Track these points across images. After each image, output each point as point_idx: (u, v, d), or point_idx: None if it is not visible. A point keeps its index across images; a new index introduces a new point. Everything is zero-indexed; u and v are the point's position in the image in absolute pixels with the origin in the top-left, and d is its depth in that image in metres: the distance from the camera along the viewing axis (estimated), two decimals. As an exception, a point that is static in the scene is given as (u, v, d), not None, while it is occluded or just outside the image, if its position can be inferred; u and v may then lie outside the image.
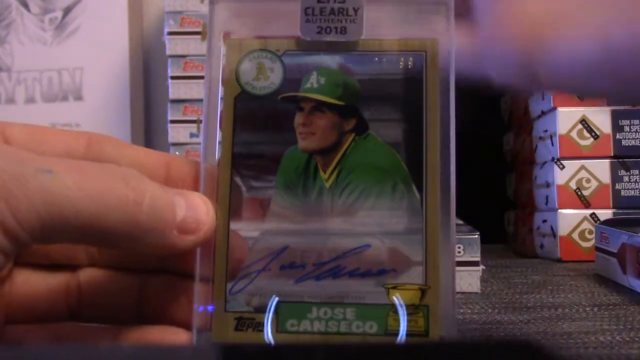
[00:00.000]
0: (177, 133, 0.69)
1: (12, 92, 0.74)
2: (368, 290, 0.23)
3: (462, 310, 0.40)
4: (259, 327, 0.24)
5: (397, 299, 0.23)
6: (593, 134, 0.60)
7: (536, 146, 0.65)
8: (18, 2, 0.75)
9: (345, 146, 0.25)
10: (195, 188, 0.24)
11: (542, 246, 0.64)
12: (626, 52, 0.22)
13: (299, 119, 0.25)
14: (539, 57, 0.24)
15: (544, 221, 0.63)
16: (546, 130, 0.63)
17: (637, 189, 0.60)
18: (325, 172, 0.25)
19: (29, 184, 0.20)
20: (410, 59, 0.25)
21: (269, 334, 0.23)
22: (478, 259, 0.46)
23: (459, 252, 0.45)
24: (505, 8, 0.25)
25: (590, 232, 0.60)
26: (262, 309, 0.24)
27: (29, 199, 0.20)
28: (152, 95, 0.79)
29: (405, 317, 0.23)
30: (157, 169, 0.25)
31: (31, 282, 0.25)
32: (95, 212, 0.20)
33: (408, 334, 0.23)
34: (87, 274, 0.25)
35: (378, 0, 0.25)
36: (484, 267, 0.48)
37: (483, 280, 0.48)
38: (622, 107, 0.60)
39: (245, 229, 0.24)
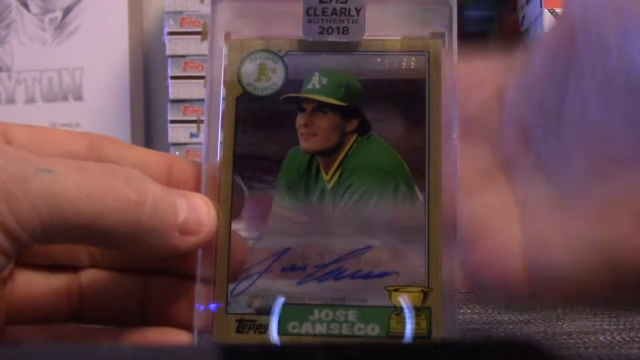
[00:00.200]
0: (177, 133, 0.69)
1: (12, 92, 0.74)
2: (370, 292, 0.23)
3: (462, 311, 0.40)
4: (261, 329, 0.23)
5: (403, 300, 0.23)
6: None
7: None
8: (18, 2, 0.75)
9: (347, 147, 0.25)
10: (197, 189, 0.24)
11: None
12: (619, 265, 0.22)
13: (300, 119, 0.25)
14: (533, 275, 0.24)
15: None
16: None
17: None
18: (327, 173, 0.25)
19: (29, 184, 0.20)
20: (413, 59, 0.25)
21: (274, 335, 0.23)
22: (478, 259, 0.46)
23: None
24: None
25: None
26: (263, 311, 0.24)
27: (30, 200, 0.20)
28: (152, 95, 0.79)
29: (412, 319, 0.23)
30: (159, 170, 0.25)
31: (33, 283, 0.25)
32: (97, 213, 0.20)
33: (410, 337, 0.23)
34: (89, 275, 0.25)
35: (380, 0, 0.25)
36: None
37: (483, 280, 0.48)
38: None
39: (246, 230, 0.24)
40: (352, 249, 0.24)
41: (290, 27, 0.25)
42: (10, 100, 0.74)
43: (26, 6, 0.75)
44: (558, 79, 0.24)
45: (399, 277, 0.23)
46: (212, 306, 0.24)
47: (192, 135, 0.69)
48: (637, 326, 0.36)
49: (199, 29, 0.69)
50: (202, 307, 0.23)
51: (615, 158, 0.22)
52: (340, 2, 0.25)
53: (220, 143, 0.25)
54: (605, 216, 0.22)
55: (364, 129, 0.25)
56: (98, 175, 0.21)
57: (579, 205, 0.23)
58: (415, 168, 0.24)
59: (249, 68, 0.25)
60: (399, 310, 0.23)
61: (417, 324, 0.23)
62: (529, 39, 0.66)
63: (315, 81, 0.25)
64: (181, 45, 0.69)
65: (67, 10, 0.74)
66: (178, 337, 0.24)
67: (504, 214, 0.24)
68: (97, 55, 0.74)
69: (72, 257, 0.25)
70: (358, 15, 0.25)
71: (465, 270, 0.24)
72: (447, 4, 0.25)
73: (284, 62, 0.25)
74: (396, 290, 0.23)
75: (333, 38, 0.25)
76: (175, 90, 0.69)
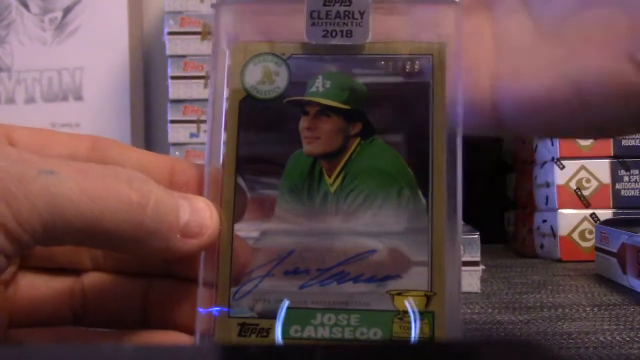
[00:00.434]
0: (177, 133, 0.69)
1: (12, 92, 0.74)
2: (373, 296, 0.23)
3: (462, 311, 0.40)
4: (263, 332, 0.23)
5: (406, 304, 0.23)
6: (593, 134, 0.60)
7: (536, 146, 0.65)
8: (18, 2, 0.75)
9: (350, 150, 0.25)
10: (200, 192, 0.24)
11: (542, 246, 0.64)
12: (585, 88, 0.22)
13: (304, 123, 0.25)
14: (500, 101, 0.24)
15: (544, 221, 0.63)
16: (546, 130, 0.63)
17: (637, 188, 0.60)
18: (330, 176, 0.24)
19: (30, 185, 0.20)
20: (417, 62, 0.25)
21: (279, 339, 0.23)
22: (478, 259, 0.46)
23: (460, 252, 0.45)
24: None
25: (590, 232, 0.60)
26: (266, 315, 0.24)
27: (31, 201, 0.20)
28: (152, 95, 0.79)
29: (415, 323, 0.23)
30: (161, 172, 0.25)
31: (35, 286, 0.25)
32: (98, 214, 0.20)
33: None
34: (92, 278, 0.25)
35: (384, 3, 0.25)
36: (484, 267, 0.48)
37: (483, 280, 0.48)
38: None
39: (249, 233, 0.24)
40: (355, 253, 0.24)
41: (293, 30, 0.25)
42: (10, 100, 0.74)
43: (26, 6, 0.74)
44: None
45: (402, 281, 0.23)
46: (215, 310, 0.24)
47: (192, 135, 0.69)
48: (637, 326, 0.36)
49: (199, 29, 0.69)
50: (204, 311, 0.23)
51: None
52: (344, 5, 0.25)
53: (223, 146, 0.25)
54: (578, 45, 0.23)
55: (367, 133, 0.25)
56: (100, 177, 0.21)
57: (555, 36, 0.23)
58: (418, 172, 0.24)
59: (253, 71, 0.25)
60: (401, 315, 0.23)
61: (420, 328, 0.23)
62: None
63: (319, 84, 0.25)
64: (181, 45, 0.69)
65: (67, 10, 0.74)
66: (180, 340, 0.24)
67: (479, 36, 0.25)
68: (97, 55, 0.74)
69: (74, 260, 0.25)
70: (362, 18, 0.25)
71: None
72: (451, 6, 0.24)
73: (287, 65, 0.25)
74: (399, 294, 0.23)
75: (337, 41, 0.25)
76: (175, 90, 0.69)
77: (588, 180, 0.61)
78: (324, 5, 0.25)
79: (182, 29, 0.69)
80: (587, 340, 0.33)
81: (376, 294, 0.23)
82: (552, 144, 0.62)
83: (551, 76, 0.23)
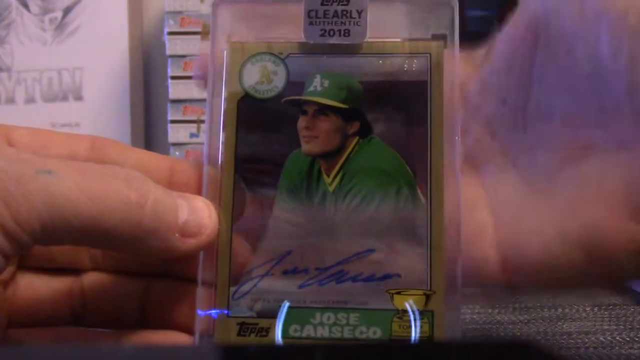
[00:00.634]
0: (177, 133, 0.69)
1: (12, 92, 0.74)
2: (372, 295, 0.23)
3: (462, 311, 0.40)
4: (262, 332, 0.23)
5: (405, 303, 0.23)
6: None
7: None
8: (18, 2, 0.75)
9: (349, 150, 0.25)
10: (199, 192, 0.24)
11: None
12: (588, 247, 0.23)
13: (302, 122, 0.25)
14: (510, 269, 0.24)
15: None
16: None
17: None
18: (328, 175, 0.25)
19: (29, 185, 0.20)
20: (415, 61, 0.25)
21: (279, 339, 0.23)
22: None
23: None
24: None
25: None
26: (265, 314, 0.24)
27: (29, 200, 0.20)
28: (152, 95, 0.79)
29: (415, 322, 0.23)
30: (160, 172, 0.25)
31: (34, 286, 0.25)
32: (97, 214, 0.20)
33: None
34: (91, 278, 0.25)
35: (382, 2, 0.25)
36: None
37: (483, 280, 0.48)
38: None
39: (248, 232, 0.24)
40: (354, 252, 0.24)
41: (291, 29, 0.25)
42: (10, 100, 0.74)
43: (26, 6, 0.74)
44: (521, 72, 0.24)
45: (401, 280, 0.23)
46: (214, 312, 0.24)
47: (192, 135, 0.69)
48: (637, 326, 0.36)
49: (199, 29, 0.69)
50: (203, 314, 0.23)
51: (584, 148, 0.23)
52: (342, 4, 0.25)
53: (222, 146, 0.25)
54: (576, 203, 0.23)
55: (365, 132, 0.25)
56: (98, 177, 0.21)
57: (549, 193, 0.24)
58: (417, 170, 0.24)
59: (251, 71, 0.25)
60: (401, 313, 0.23)
61: (420, 327, 0.23)
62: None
63: (317, 83, 0.25)
64: (181, 45, 0.69)
65: (67, 10, 0.74)
66: (179, 340, 0.24)
67: (474, 205, 0.25)
68: (97, 55, 0.74)
69: (73, 259, 0.25)
70: (359, 17, 0.25)
71: None
72: (448, 5, 0.25)
73: (285, 64, 0.25)
74: (398, 293, 0.23)
75: (334, 40, 0.25)
76: (175, 90, 0.69)
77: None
78: (322, 4, 0.25)
79: (182, 29, 0.69)
80: (587, 340, 0.34)
81: (375, 293, 0.23)
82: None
83: (554, 238, 0.23)
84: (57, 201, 0.20)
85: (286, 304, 0.23)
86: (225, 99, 0.25)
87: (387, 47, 0.25)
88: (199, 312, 0.24)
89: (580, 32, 0.22)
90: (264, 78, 0.25)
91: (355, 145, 0.25)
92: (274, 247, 0.24)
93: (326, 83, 0.25)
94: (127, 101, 0.74)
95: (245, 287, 0.24)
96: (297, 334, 0.23)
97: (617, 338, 0.34)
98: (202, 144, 0.25)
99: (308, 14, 0.25)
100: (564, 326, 0.36)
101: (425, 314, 0.23)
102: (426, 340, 0.23)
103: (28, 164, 0.20)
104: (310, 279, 0.24)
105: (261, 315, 0.24)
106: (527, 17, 0.24)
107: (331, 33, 0.25)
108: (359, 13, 0.25)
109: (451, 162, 0.24)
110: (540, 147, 0.24)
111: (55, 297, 0.25)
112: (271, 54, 0.25)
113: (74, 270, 0.26)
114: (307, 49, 0.25)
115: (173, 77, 0.69)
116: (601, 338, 0.34)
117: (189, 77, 0.69)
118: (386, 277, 0.23)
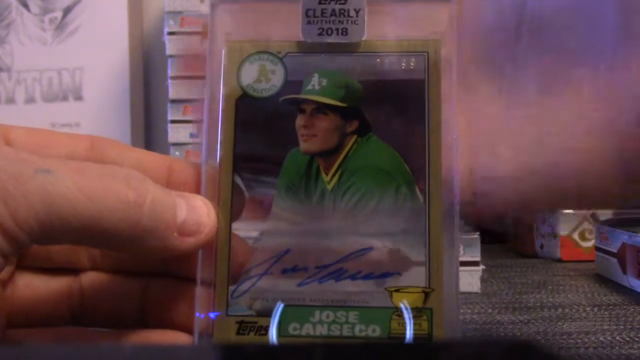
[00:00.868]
0: (177, 133, 0.69)
1: (12, 92, 0.74)
2: (371, 293, 0.23)
3: (462, 311, 0.40)
4: (261, 331, 0.23)
5: (404, 301, 0.23)
6: (593, 133, 0.60)
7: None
8: (18, 2, 0.75)
9: (347, 148, 0.25)
10: (197, 191, 0.24)
11: (542, 246, 0.64)
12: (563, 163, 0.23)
13: (300, 121, 0.25)
14: (478, 177, 0.24)
15: (544, 221, 0.63)
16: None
17: (637, 188, 0.60)
18: (327, 174, 0.25)
19: (27, 184, 0.20)
20: (412, 60, 0.25)
21: (273, 339, 0.23)
22: (478, 259, 0.46)
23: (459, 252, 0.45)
24: None
25: (590, 232, 0.59)
26: (264, 313, 0.24)
27: (28, 200, 0.20)
28: (152, 95, 0.79)
29: (413, 320, 0.23)
30: (159, 171, 0.25)
31: (33, 286, 0.25)
32: (96, 213, 0.20)
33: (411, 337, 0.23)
34: (90, 278, 0.25)
35: (379, 1, 0.25)
36: (484, 267, 0.48)
37: (483, 280, 0.48)
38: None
39: (246, 231, 0.24)
40: (353, 250, 0.24)
41: (289, 28, 0.25)
42: (10, 100, 0.74)
43: (26, 6, 0.74)
44: None
45: (400, 278, 0.23)
46: (212, 315, 0.24)
47: (192, 135, 0.69)
48: (637, 326, 0.36)
49: (199, 29, 0.69)
50: (202, 315, 0.23)
51: (568, 75, 0.23)
52: (340, 3, 0.25)
53: (220, 145, 0.25)
54: (553, 125, 0.23)
55: (364, 130, 0.25)
56: (97, 176, 0.21)
57: (527, 116, 0.24)
58: (415, 169, 0.24)
59: (249, 70, 0.25)
60: (400, 311, 0.23)
61: (419, 324, 0.23)
62: None
63: (315, 82, 0.25)
64: (181, 46, 0.69)
65: (67, 10, 0.74)
66: (178, 339, 0.24)
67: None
68: (97, 55, 0.74)
69: (72, 259, 0.25)
70: (357, 16, 0.25)
71: None
72: (446, 4, 0.25)
73: (283, 63, 0.25)
74: (397, 291, 0.23)
75: (332, 39, 0.25)
76: (175, 90, 0.69)
77: (588, 180, 0.61)
78: (320, 3, 0.25)
79: (182, 29, 0.69)
80: (587, 340, 0.33)
81: (374, 291, 0.23)
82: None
83: (525, 151, 0.24)
84: (55, 200, 0.20)
85: (280, 305, 0.23)
86: (223, 97, 0.25)
87: (385, 45, 0.25)
88: (198, 316, 0.24)
89: None
90: (262, 77, 0.25)
91: (353, 143, 0.25)
92: (273, 246, 0.24)
93: (324, 82, 0.25)
94: (127, 101, 0.74)
95: (244, 286, 0.24)
96: (297, 332, 0.23)
97: (617, 338, 0.34)
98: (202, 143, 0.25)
99: (306, 13, 0.25)
100: (564, 326, 0.36)
101: (424, 311, 0.23)
102: (426, 340, 0.23)
103: (27, 163, 0.20)
104: (309, 278, 0.24)
105: (260, 313, 0.24)
106: None
107: (329, 32, 0.25)
108: (357, 12, 0.25)
109: (449, 159, 0.24)
110: (528, 65, 0.24)
111: (54, 296, 0.25)
112: (269, 53, 0.25)
113: (72, 270, 0.26)
114: (305, 48, 0.25)
115: (173, 77, 0.69)
116: (601, 338, 0.34)
117: (189, 77, 0.69)
118: (385, 275, 0.23)
